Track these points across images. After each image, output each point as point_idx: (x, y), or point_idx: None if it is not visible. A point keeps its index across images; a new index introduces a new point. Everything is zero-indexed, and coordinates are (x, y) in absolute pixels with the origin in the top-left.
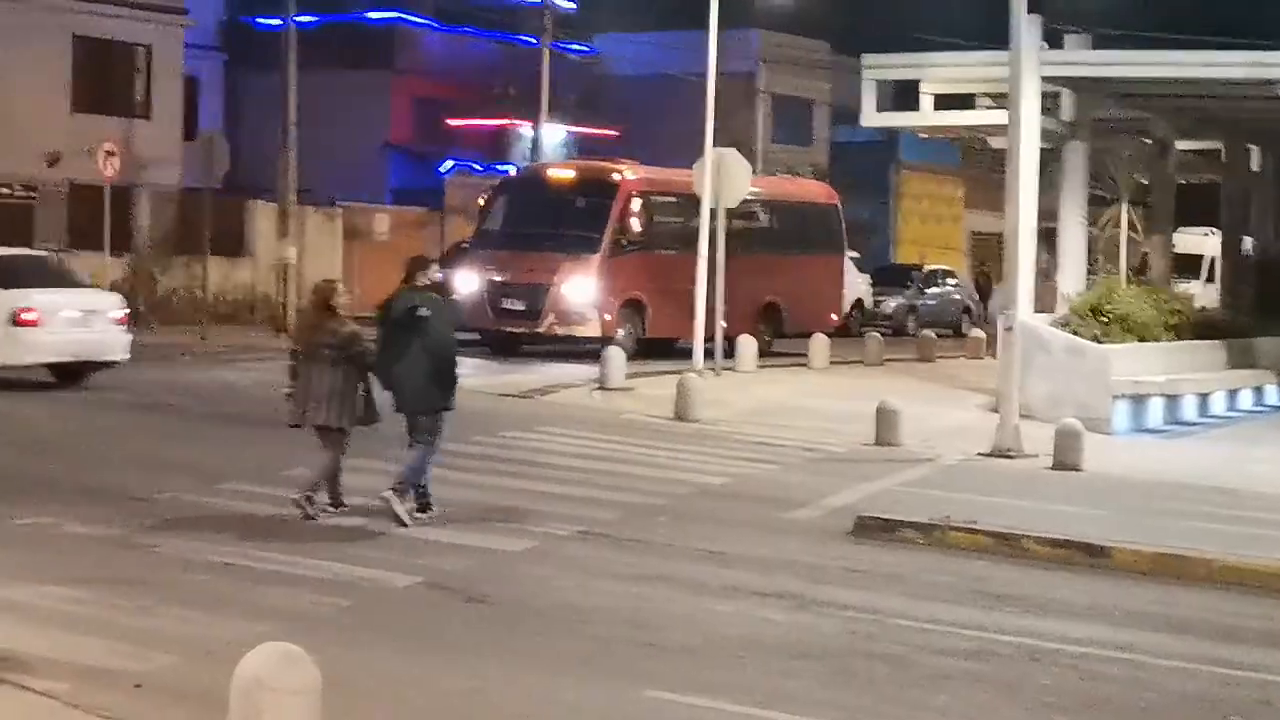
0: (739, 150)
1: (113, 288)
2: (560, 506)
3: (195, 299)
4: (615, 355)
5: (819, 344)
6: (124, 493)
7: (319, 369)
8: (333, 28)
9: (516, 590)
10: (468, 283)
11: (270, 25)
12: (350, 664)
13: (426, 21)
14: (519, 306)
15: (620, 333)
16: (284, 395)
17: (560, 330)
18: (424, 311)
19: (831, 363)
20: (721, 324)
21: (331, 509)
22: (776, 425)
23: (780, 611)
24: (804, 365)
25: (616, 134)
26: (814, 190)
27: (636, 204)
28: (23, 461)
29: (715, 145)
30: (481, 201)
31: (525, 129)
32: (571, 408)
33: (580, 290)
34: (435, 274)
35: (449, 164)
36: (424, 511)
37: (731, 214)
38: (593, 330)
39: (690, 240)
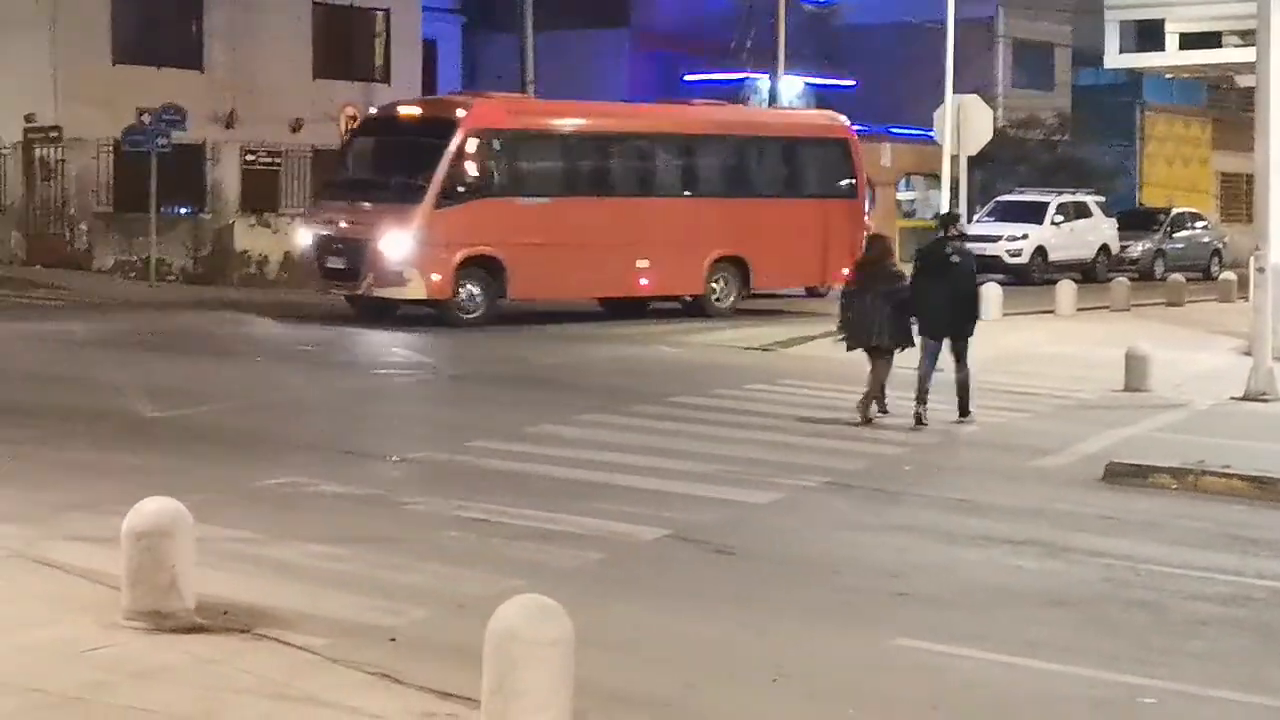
0: (979, 97)
1: None
2: (806, 457)
3: None
4: None
5: (1065, 290)
6: (377, 452)
7: (872, 303)
8: None
9: (764, 541)
10: (302, 238)
11: None
12: (602, 616)
13: None
14: (341, 265)
15: (463, 294)
16: (838, 325)
17: (379, 292)
18: (955, 257)
19: (1078, 309)
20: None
21: (881, 414)
22: (1024, 373)
23: (1031, 559)
24: (1049, 312)
25: (854, 84)
26: (810, 122)
27: (483, 144)
28: (278, 423)
29: (955, 92)
30: (338, 145)
31: (762, 81)
32: (814, 360)
33: (398, 246)
34: (963, 226)
35: None
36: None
37: (669, 148)
38: (415, 292)
39: (575, 186)
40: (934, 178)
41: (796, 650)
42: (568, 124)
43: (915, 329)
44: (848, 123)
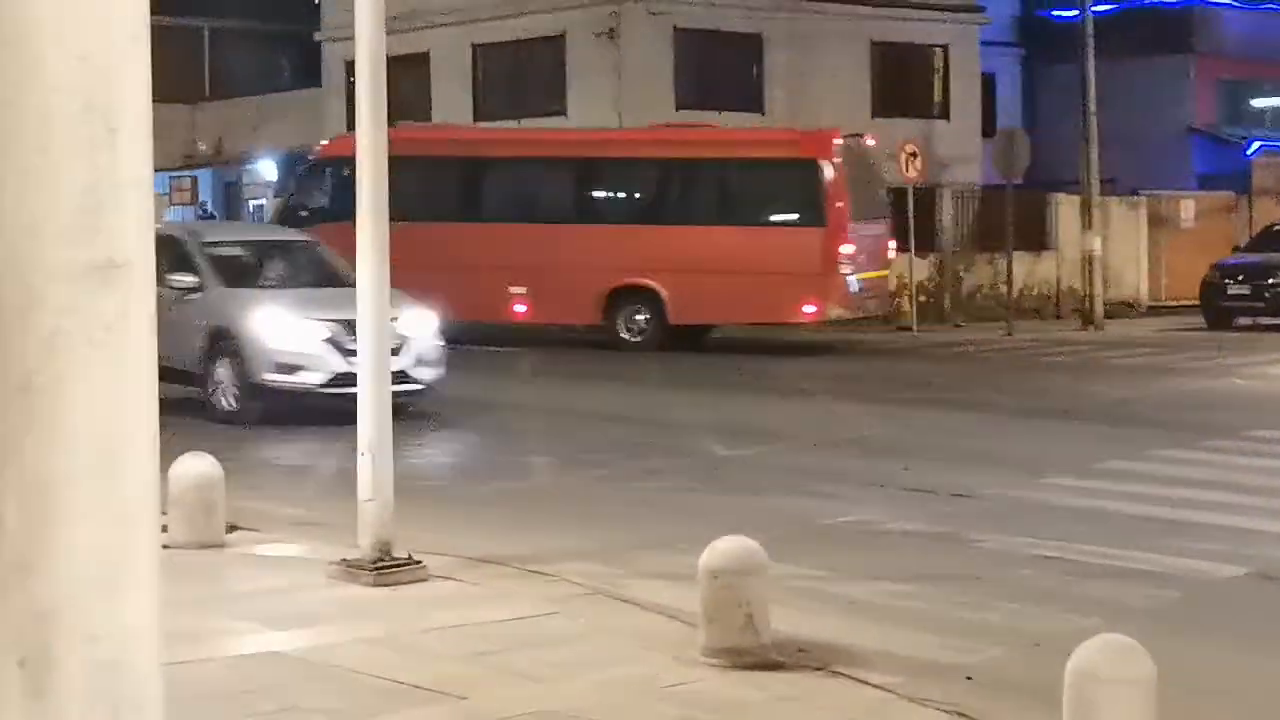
0: None
1: (919, 287)
2: None
3: (999, 295)
4: None
5: None
6: (944, 488)
7: None
8: (1130, 14)
9: None
10: None
11: (1066, 16)
12: (1182, 656)
13: (1227, 1)
14: None
15: None
16: None
17: None
18: None
19: None
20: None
21: None
22: None
23: None
24: None
25: None
26: (764, 141)
27: (328, 172)
28: (845, 460)
29: None
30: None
31: None
32: None
33: None
34: None
35: (1255, 145)
36: None
37: (548, 173)
38: None
39: (428, 211)
40: None
41: None
42: (430, 151)
43: None
44: (833, 141)
